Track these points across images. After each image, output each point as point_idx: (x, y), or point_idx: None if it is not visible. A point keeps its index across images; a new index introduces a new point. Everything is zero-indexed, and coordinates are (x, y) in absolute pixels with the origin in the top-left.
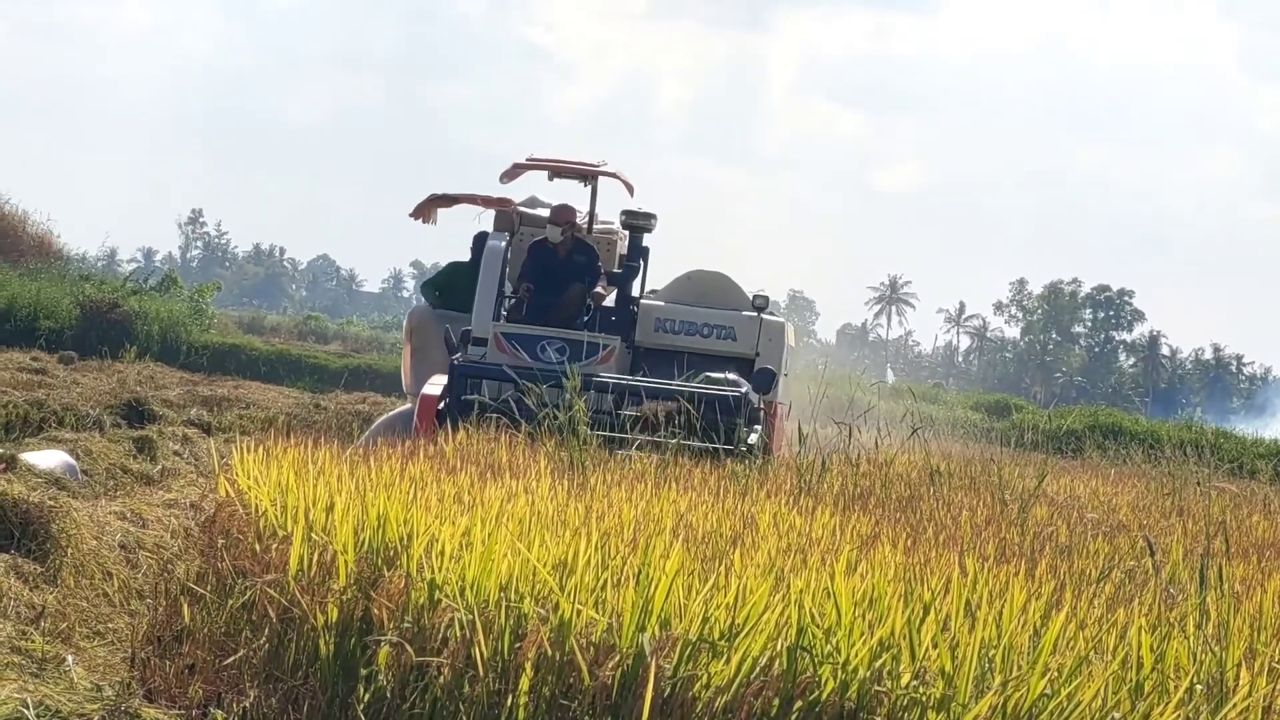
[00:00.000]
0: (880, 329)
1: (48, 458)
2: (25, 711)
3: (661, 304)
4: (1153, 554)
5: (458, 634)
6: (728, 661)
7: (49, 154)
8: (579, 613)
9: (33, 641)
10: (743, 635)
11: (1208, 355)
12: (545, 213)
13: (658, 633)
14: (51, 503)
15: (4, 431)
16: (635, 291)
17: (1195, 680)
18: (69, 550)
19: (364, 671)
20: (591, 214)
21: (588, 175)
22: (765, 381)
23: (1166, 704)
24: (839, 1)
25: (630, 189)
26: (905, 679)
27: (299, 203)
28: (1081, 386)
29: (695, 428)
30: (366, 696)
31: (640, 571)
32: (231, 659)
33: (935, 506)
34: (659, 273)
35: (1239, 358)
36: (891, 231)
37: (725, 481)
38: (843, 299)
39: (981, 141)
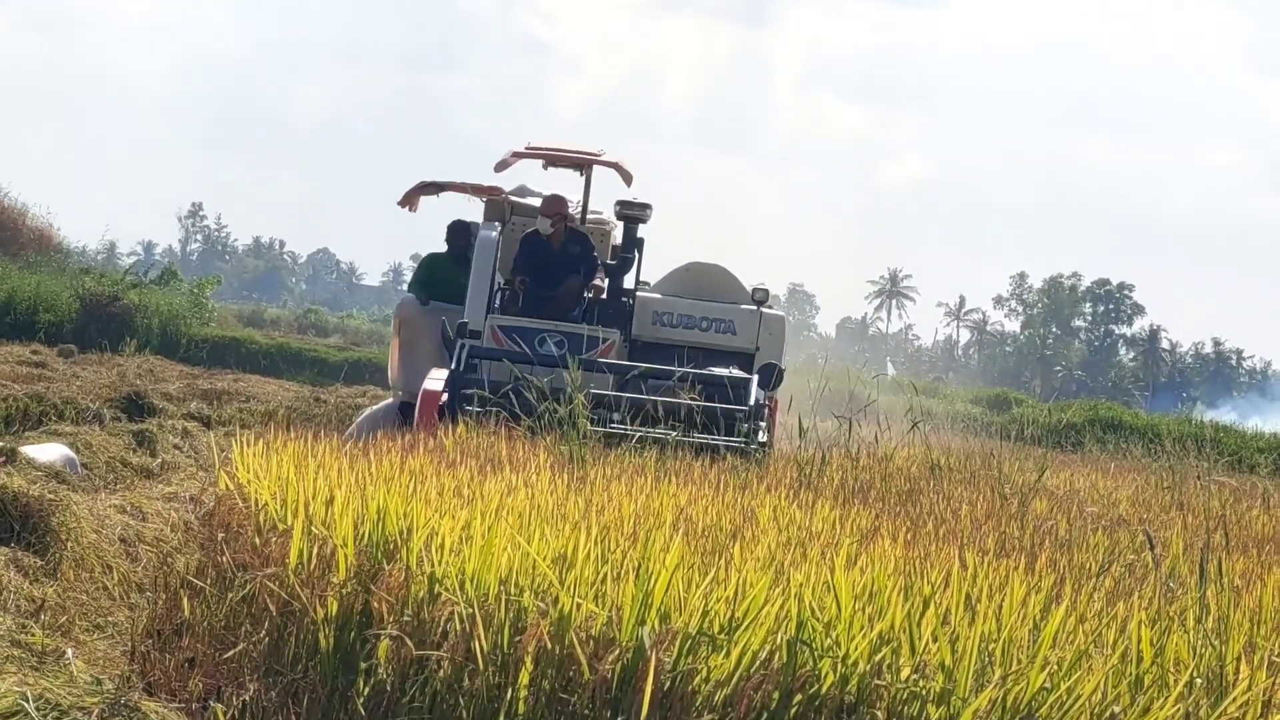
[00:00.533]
0: (880, 323)
1: (47, 451)
2: (25, 705)
3: (659, 297)
4: (1152, 548)
5: (457, 628)
6: (727, 655)
7: (49, 146)
8: (579, 606)
9: (33, 635)
10: (742, 629)
11: (1208, 349)
12: (537, 202)
13: (658, 626)
14: (51, 496)
15: (4, 425)
16: (629, 284)
17: (1195, 674)
18: (69, 544)
19: (364, 665)
20: (585, 204)
21: (584, 164)
22: (769, 376)
23: (1166, 698)
24: None
25: (628, 178)
26: (905, 673)
27: (299, 196)
28: (1081, 380)
29: (697, 422)
30: (366, 690)
31: (640, 565)
32: (231, 652)
33: (935, 500)
34: (658, 266)
35: (1239, 352)
36: (892, 225)
37: (725, 475)
38: (843, 292)
39: (982, 135)
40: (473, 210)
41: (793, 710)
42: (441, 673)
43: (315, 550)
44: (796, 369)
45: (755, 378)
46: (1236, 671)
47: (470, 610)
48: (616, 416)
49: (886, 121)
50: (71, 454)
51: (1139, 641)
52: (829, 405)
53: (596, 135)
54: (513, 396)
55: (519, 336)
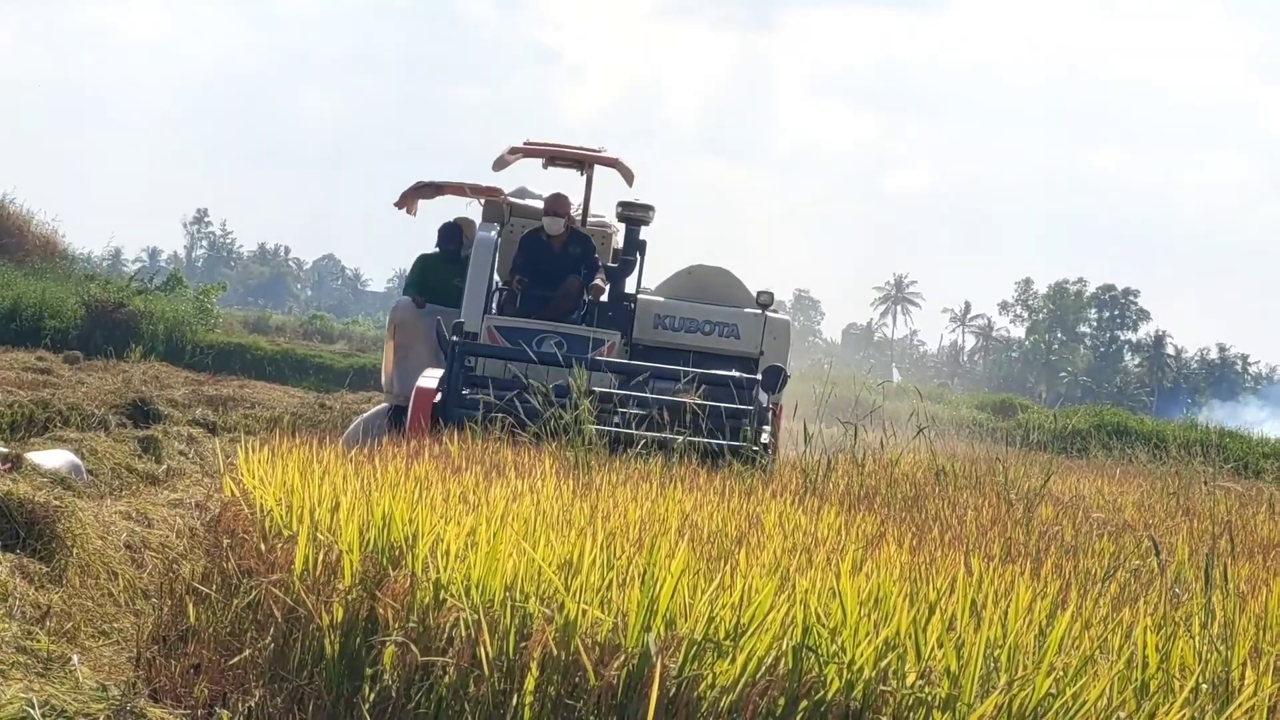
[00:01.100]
0: (885, 328)
1: (53, 457)
2: (31, 711)
3: (661, 300)
4: (1158, 553)
5: (463, 634)
6: (733, 661)
7: (55, 153)
8: (584, 612)
9: (38, 641)
10: (748, 635)
11: (1213, 355)
12: (535, 204)
13: (663, 632)
14: (57, 502)
15: (9, 431)
16: (631, 287)
17: (1200, 680)
18: (74, 550)
19: (369, 671)
20: (586, 204)
21: (585, 162)
22: (774, 380)
23: (1172, 704)
24: (847, 3)
25: (629, 177)
26: (910, 678)
27: (305, 202)
28: (1086, 386)
29: (702, 425)
30: (372, 696)
31: (645, 571)
32: (237, 659)
33: (940, 506)
34: (662, 271)
35: (1244, 357)
36: (897, 231)
37: (730, 481)
38: (848, 299)
39: (988, 143)
40: (472, 212)
41: (798, 716)
42: (447, 679)
43: (320, 556)
44: (802, 375)
45: (760, 379)
46: (1242, 677)
47: (475, 616)
48: (617, 418)
49: (893, 129)
50: (77, 460)
51: (1144, 647)
52: (834, 411)
53: (602, 143)
54: (517, 404)
55: (518, 337)
